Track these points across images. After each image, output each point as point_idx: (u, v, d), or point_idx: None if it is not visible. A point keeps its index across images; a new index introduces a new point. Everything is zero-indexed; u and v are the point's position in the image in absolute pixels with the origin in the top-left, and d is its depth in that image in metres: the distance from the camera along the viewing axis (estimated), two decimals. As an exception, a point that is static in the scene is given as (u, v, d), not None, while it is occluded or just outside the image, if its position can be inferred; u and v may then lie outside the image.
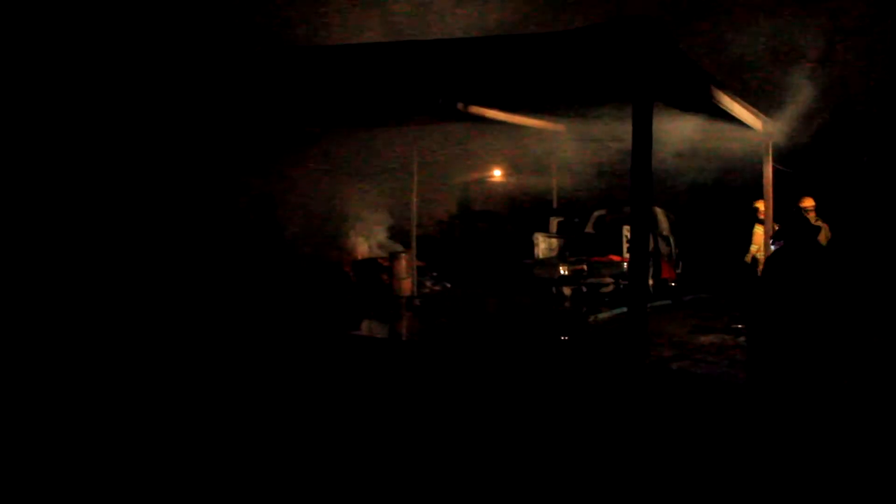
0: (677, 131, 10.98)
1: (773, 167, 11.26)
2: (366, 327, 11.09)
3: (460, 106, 9.26)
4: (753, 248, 11.82)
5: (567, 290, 13.07)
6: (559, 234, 14.63)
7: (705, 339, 10.08)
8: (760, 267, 11.60)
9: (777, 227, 7.13)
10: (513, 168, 18.38)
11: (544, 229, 14.69)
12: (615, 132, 11.08)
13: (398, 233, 14.88)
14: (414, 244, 13.47)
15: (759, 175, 11.21)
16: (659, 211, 13.81)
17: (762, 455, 5.76)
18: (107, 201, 7.97)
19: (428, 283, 14.00)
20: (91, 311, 7.62)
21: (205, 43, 10.61)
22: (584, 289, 12.68)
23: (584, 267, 12.83)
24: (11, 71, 7.81)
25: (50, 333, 7.38)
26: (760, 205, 11.81)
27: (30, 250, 7.66)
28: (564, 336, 10.07)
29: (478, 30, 11.83)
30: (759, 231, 11.63)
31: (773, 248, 6.89)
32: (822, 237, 11.39)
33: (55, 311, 7.55)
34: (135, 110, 7.98)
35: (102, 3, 9.55)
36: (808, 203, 11.32)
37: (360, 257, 14.54)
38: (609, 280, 12.68)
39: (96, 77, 7.80)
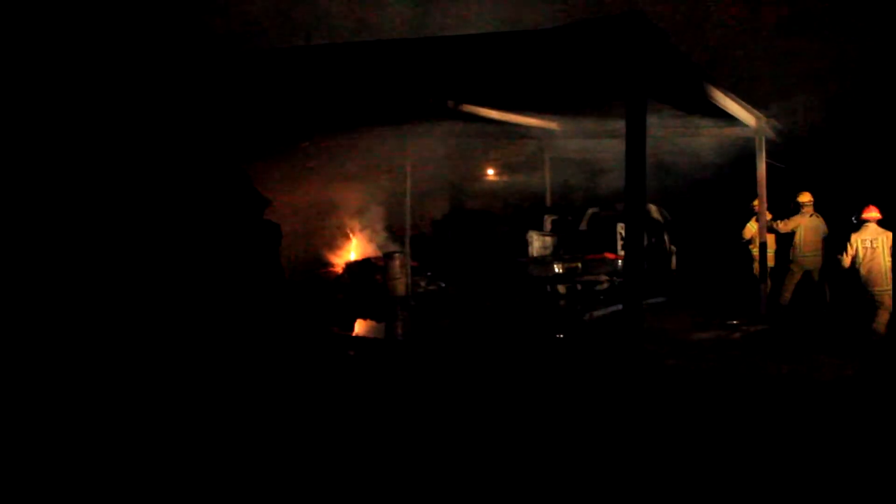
0: (671, 127, 10.96)
1: (767, 162, 11.25)
2: (360, 328, 11.06)
3: (450, 104, 9.21)
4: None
5: (562, 289, 13.04)
6: (553, 233, 14.60)
7: (701, 335, 10.06)
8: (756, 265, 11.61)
9: None
10: (506, 166, 18.35)
11: (538, 227, 14.66)
12: (608, 128, 11.07)
13: (392, 233, 14.84)
14: (408, 244, 13.43)
15: (753, 171, 11.20)
16: (653, 208, 13.79)
17: (758, 451, 5.73)
18: (95, 202, 7.87)
19: (422, 283, 13.95)
20: (84, 311, 7.53)
21: (194, 45, 10.55)
22: (579, 287, 12.65)
23: (579, 265, 12.79)
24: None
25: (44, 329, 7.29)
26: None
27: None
28: (560, 334, 10.05)
29: (469, 28, 11.78)
30: (752, 227, 11.67)
31: None
32: (819, 232, 11.39)
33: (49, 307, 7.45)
34: (120, 113, 7.91)
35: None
36: (806, 198, 11.32)
37: (353, 258, 14.50)
38: (604, 278, 12.65)
39: (86, 79, 7.73)
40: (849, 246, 9.53)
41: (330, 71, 7.21)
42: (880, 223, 9.49)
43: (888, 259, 9.33)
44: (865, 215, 9.55)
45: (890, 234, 9.39)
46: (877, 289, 9.37)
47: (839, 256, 9.67)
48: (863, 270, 9.44)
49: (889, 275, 9.32)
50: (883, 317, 9.41)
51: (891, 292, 9.39)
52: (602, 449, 5.74)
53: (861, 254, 9.48)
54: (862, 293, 9.58)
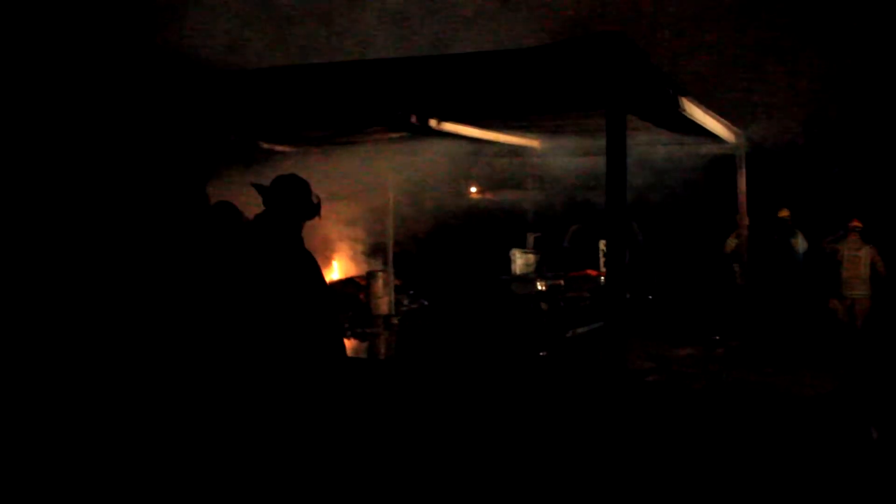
0: (650, 145, 11.04)
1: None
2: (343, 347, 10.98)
3: (433, 123, 9.23)
4: None
5: (545, 306, 13.04)
6: (536, 250, 14.61)
7: (683, 350, 10.09)
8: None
9: None
10: (489, 184, 18.37)
11: (521, 245, 14.66)
12: (589, 146, 11.14)
13: (375, 251, 14.80)
14: (391, 262, 13.39)
15: (733, 188, 11.29)
16: (636, 225, 13.83)
17: (740, 467, 5.75)
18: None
19: (405, 301, 13.92)
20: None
21: (177, 63, 10.52)
22: (562, 304, 12.65)
23: (562, 282, 12.80)
24: None
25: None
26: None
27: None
28: (543, 351, 10.04)
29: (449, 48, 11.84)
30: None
31: None
32: (799, 247, 11.53)
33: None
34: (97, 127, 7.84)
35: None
36: (784, 214, 11.50)
37: (336, 277, 14.45)
38: (586, 294, 12.67)
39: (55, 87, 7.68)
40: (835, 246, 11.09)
41: (310, 90, 7.21)
42: (862, 234, 11.01)
43: (867, 269, 10.93)
44: (851, 225, 11.08)
45: (873, 249, 10.95)
46: (855, 293, 11.03)
47: (823, 245, 11.35)
48: (844, 275, 11.02)
49: (868, 282, 10.97)
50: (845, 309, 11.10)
51: (867, 297, 10.99)
52: (584, 466, 5.73)
53: (846, 261, 11.03)
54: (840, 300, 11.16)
